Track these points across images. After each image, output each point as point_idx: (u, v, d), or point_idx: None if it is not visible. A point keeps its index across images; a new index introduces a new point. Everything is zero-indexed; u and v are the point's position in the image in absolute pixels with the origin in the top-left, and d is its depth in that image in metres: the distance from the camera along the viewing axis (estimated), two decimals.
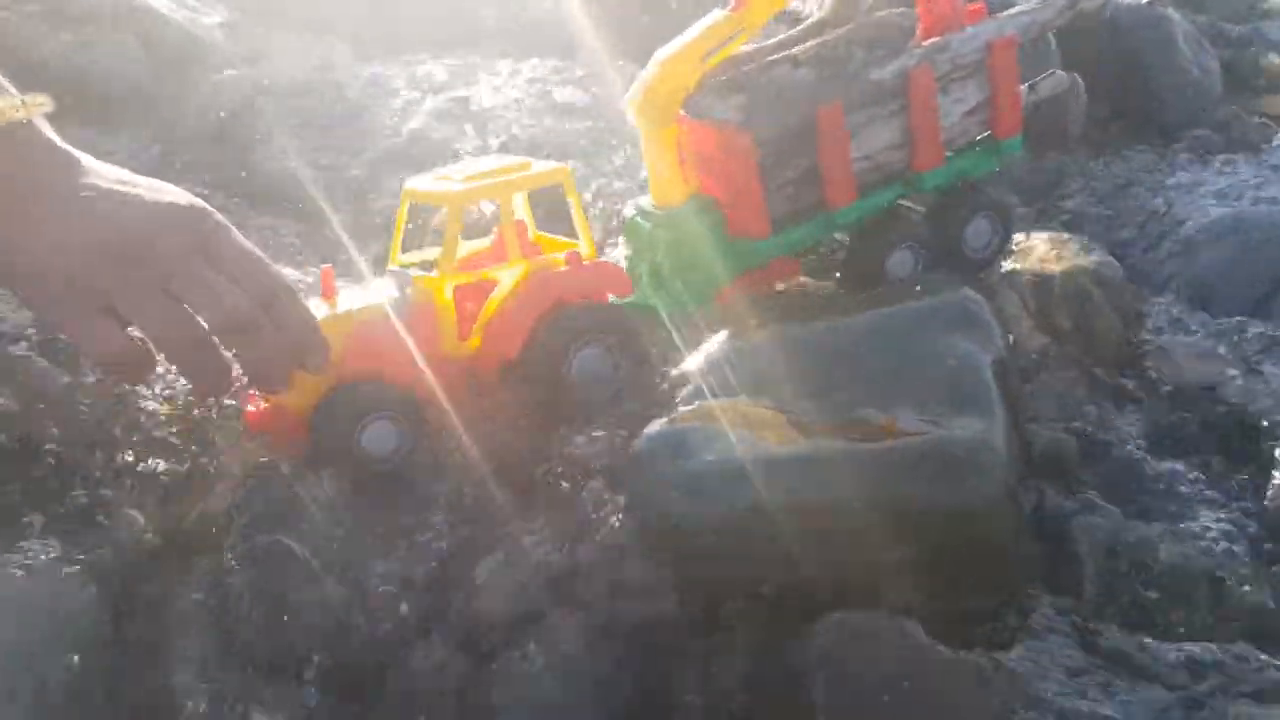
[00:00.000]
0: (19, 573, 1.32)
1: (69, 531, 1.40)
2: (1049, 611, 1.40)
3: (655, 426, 1.42)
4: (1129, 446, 1.66)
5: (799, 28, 1.76)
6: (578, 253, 1.60)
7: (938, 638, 1.25)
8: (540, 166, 1.62)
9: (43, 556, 1.34)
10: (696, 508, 1.31)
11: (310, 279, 1.84)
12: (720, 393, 1.48)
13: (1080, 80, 2.59)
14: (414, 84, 2.74)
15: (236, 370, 1.23)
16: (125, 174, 1.18)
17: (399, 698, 1.34)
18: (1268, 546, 1.46)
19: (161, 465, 1.54)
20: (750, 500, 1.31)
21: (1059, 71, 1.92)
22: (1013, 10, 1.81)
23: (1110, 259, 1.90)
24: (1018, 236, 1.99)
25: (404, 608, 1.39)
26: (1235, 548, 1.46)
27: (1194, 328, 1.89)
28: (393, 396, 1.50)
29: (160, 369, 1.23)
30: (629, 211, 1.78)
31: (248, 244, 1.21)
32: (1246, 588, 1.39)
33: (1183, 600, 1.40)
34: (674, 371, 1.58)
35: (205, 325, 1.15)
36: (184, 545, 1.45)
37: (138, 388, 1.56)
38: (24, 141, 1.11)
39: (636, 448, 1.39)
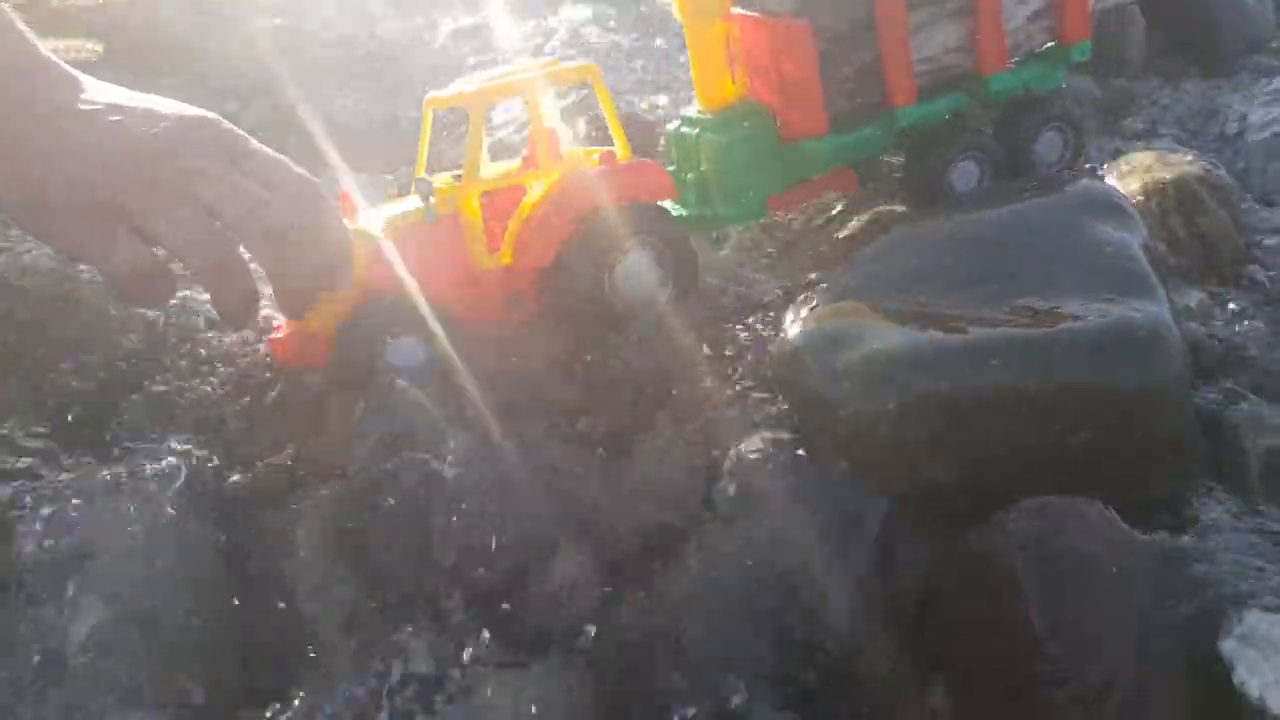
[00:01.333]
0: (141, 503, 1.22)
1: (184, 460, 1.30)
2: (1224, 499, 1.32)
3: (801, 324, 1.33)
4: (1264, 347, 1.58)
5: None
6: (613, 153, 1.49)
7: (1129, 523, 1.18)
8: (568, 64, 1.52)
9: (166, 484, 1.24)
10: (870, 398, 1.22)
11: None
12: (863, 290, 1.39)
13: (1136, 9, 2.55)
14: (450, 34, 2.64)
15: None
16: (129, 91, 1.09)
17: (542, 616, 1.25)
18: None
19: (264, 395, 1.45)
20: (927, 388, 1.22)
21: None
22: None
23: (1215, 166, 1.82)
24: (1119, 152, 1.92)
25: (549, 518, 1.29)
26: None
27: None
28: (418, 311, 1.39)
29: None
30: (671, 124, 1.67)
31: (270, 150, 1.12)
32: None
33: None
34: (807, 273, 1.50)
35: (236, 235, 1.06)
36: (306, 473, 1.35)
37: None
38: (15, 54, 1.01)
39: (789, 344, 1.30)
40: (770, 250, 1.64)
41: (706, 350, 1.44)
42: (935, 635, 1.20)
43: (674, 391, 1.41)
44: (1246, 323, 1.66)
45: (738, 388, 1.37)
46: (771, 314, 1.51)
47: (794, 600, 1.20)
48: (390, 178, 1.48)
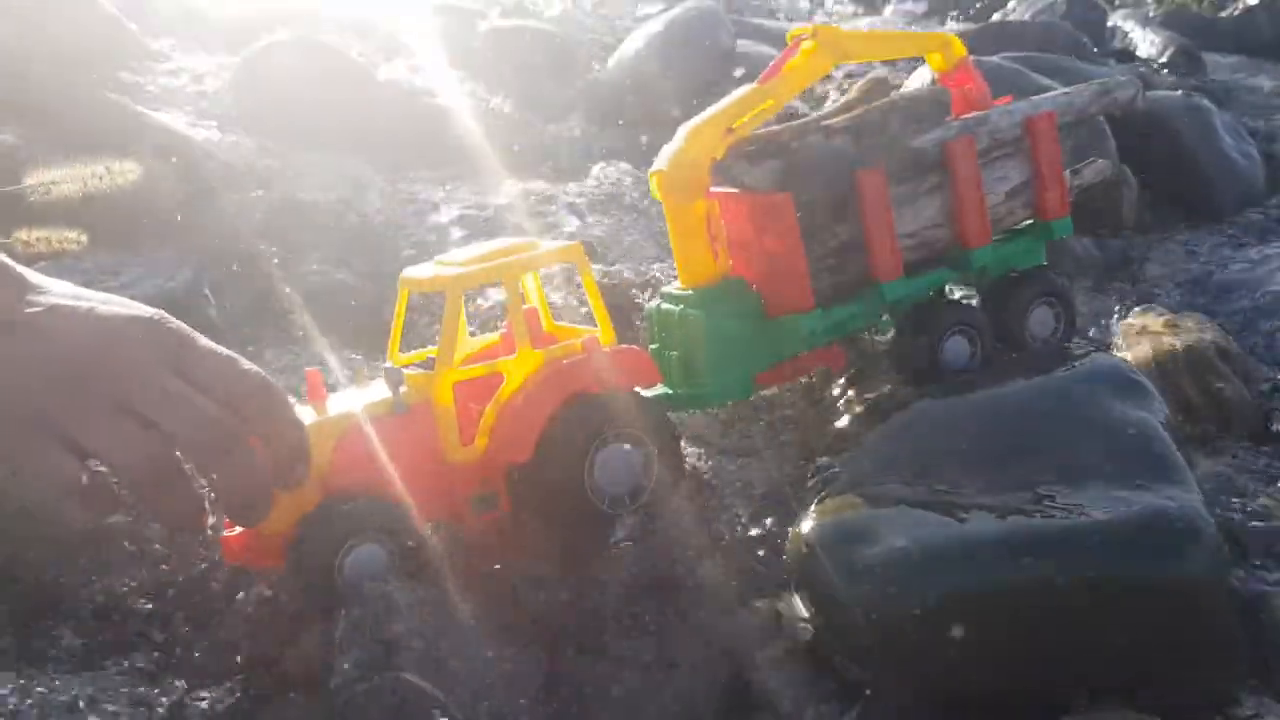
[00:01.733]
0: None
1: (144, 681, 1.20)
2: (1272, 699, 1.23)
3: (814, 517, 1.26)
4: None
5: (824, 109, 1.71)
6: (595, 339, 1.42)
7: None
8: (550, 245, 1.47)
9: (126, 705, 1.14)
10: (892, 600, 1.14)
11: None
12: (878, 475, 1.32)
13: (1128, 168, 2.57)
14: (434, 201, 2.66)
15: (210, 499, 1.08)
16: (81, 290, 1.06)
17: None
18: None
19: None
20: (954, 588, 1.15)
21: (1100, 159, 1.84)
22: (1044, 95, 1.78)
23: (1223, 332, 1.78)
24: (1124, 315, 1.89)
25: None
26: None
27: None
28: (382, 515, 1.29)
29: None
30: (653, 302, 1.63)
31: (218, 348, 1.08)
32: None
33: None
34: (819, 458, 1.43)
35: (176, 447, 1.00)
36: (276, 693, 1.25)
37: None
38: None
39: (802, 540, 1.23)
40: (776, 429, 1.57)
41: (708, 546, 1.35)
42: None
43: (674, 597, 1.33)
44: (1275, 494, 1.59)
45: (746, 588, 1.28)
46: (777, 503, 1.44)
47: None
48: (359, 357, 1.41)
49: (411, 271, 1.47)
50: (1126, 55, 3.48)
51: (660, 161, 1.53)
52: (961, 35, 2.84)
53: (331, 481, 1.29)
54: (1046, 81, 2.44)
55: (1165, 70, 3.34)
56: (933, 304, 1.62)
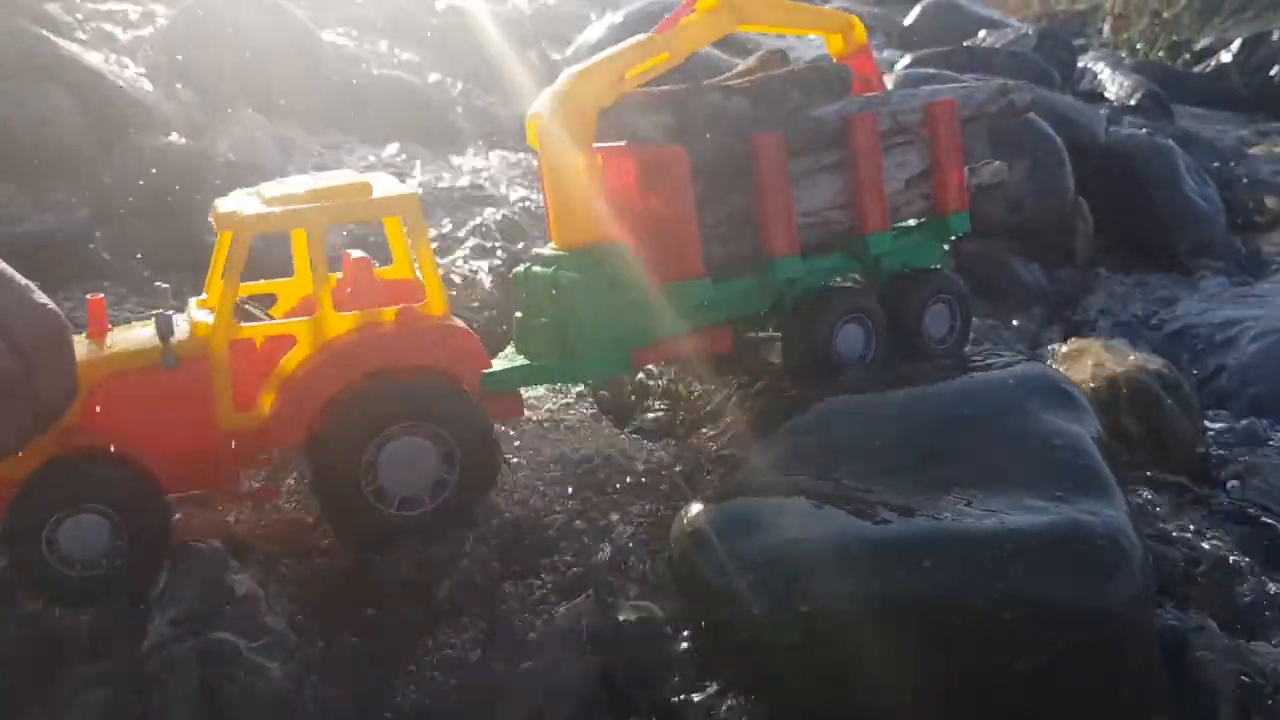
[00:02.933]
0: None
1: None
2: None
3: (703, 502, 1.14)
4: (1231, 562, 1.42)
5: (722, 76, 1.67)
6: (414, 309, 1.28)
7: None
8: (384, 191, 1.31)
9: None
10: (779, 597, 1.02)
11: None
12: (784, 467, 1.21)
13: (1084, 203, 2.49)
14: (359, 164, 2.56)
15: None
16: None
17: None
18: None
19: None
20: (845, 587, 1.03)
21: (997, 161, 1.81)
22: (945, 85, 1.81)
23: (1171, 366, 1.69)
24: (1071, 339, 1.80)
25: None
26: None
27: (1271, 445, 1.68)
28: (111, 481, 1.15)
29: None
30: (521, 266, 1.54)
31: (17, 276, 1.05)
32: None
33: None
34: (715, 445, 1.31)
35: None
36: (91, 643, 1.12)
37: None
38: None
39: (689, 526, 1.11)
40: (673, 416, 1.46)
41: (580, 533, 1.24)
42: None
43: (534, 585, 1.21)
44: (1208, 533, 1.50)
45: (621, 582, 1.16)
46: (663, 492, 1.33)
47: None
48: (166, 286, 1.40)
49: (221, 202, 1.34)
50: (1095, 95, 3.43)
51: (541, 103, 1.42)
52: (930, 56, 2.76)
53: (70, 437, 1.15)
54: None
55: (1134, 113, 3.28)
56: (828, 291, 1.55)
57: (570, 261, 1.43)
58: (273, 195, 1.33)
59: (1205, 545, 1.48)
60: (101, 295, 1.33)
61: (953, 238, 1.67)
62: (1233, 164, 3.07)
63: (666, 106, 1.43)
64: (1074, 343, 1.84)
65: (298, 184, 1.38)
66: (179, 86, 2.64)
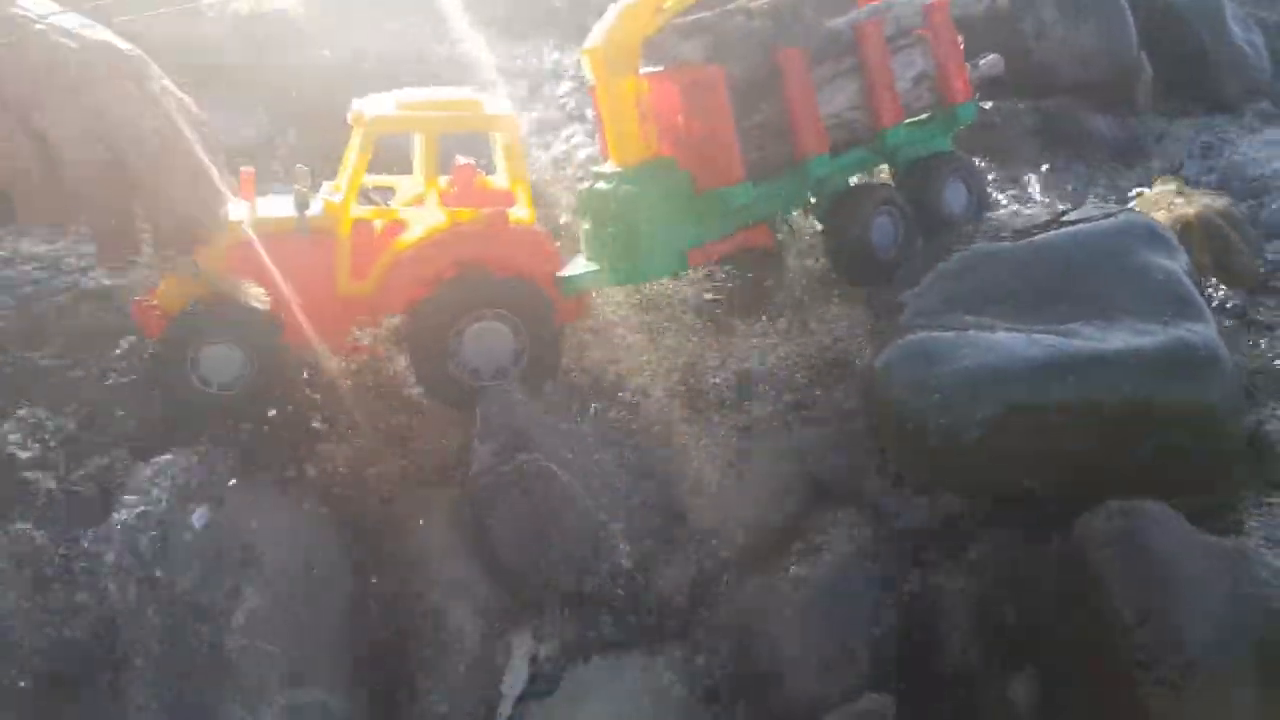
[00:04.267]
0: (279, 524, 1.31)
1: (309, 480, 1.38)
2: (1270, 509, 1.44)
3: (892, 342, 1.44)
4: None
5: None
6: (504, 213, 1.48)
7: (1200, 524, 1.29)
8: (492, 109, 1.49)
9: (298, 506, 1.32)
10: (958, 411, 1.33)
11: None
12: (940, 310, 1.50)
13: (1144, 55, 2.71)
14: (490, 62, 2.75)
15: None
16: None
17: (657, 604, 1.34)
18: None
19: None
20: (1013, 401, 1.34)
21: (994, 55, 2.00)
22: None
23: (1231, 202, 1.96)
24: (1148, 185, 2.06)
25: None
26: None
27: None
28: (245, 320, 1.39)
29: None
30: (585, 183, 1.71)
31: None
32: None
33: None
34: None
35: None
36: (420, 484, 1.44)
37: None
38: None
39: (880, 360, 1.41)
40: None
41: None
42: (1020, 628, 1.31)
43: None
44: (1275, 344, 1.78)
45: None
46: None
47: (896, 587, 1.31)
48: (304, 167, 1.53)
49: (359, 103, 1.50)
50: None
51: (593, 38, 1.58)
52: None
53: (222, 279, 1.39)
54: None
55: None
56: (855, 190, 1.74)
57: (627, 178, 1.60)
58: (400, 101, 1.46)
59: (1271, 352, 1.77)
60: (252, 169, 1.52)
61: (961, 126, 1.86)
62: (1276, 6, 3.27)
63: (702, 30, 1.59)
64: (1151, 190, 2.10)
65: (425, 94, 1.52)
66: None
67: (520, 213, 1.53)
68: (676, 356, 1.66)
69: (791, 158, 1.65)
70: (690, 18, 1.64)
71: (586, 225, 1.67)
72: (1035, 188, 2.20)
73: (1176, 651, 1.20)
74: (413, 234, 1.43)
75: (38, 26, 1.19)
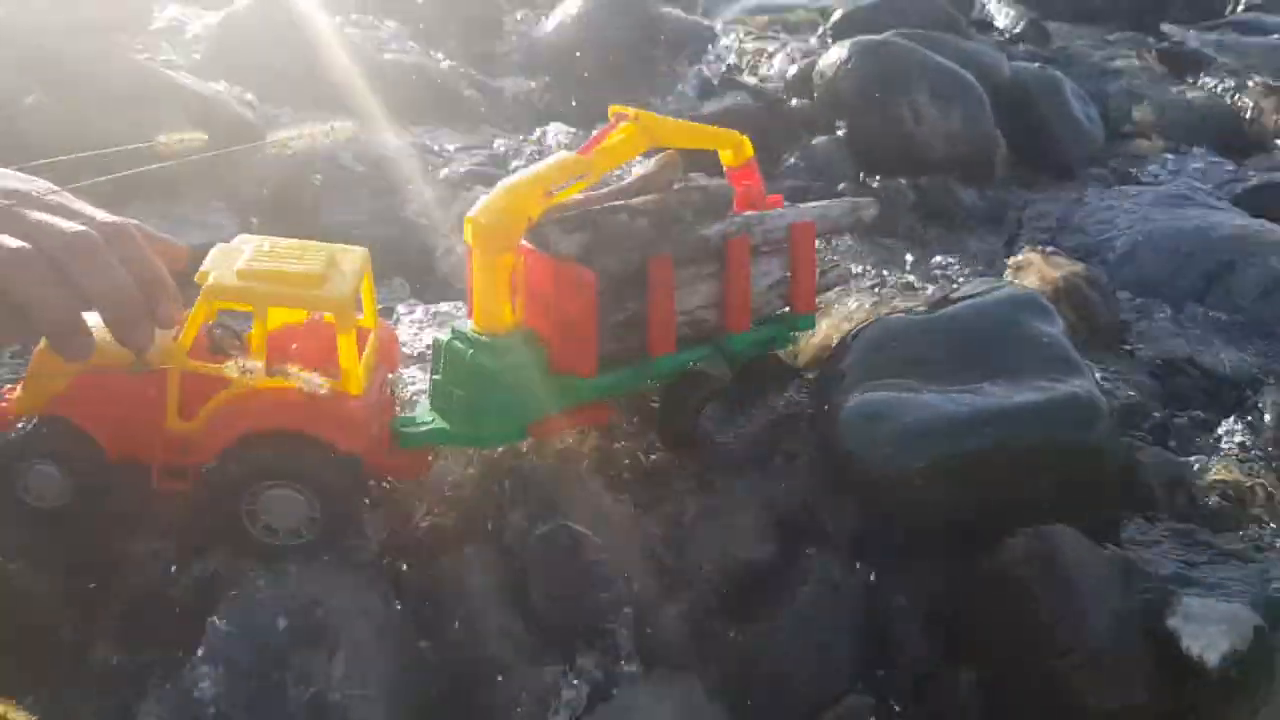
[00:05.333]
0: (338, 585, 1.53)
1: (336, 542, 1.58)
2: (1144, 523, 1.81)
3: (850, 397, 1.74)
4: (1155, 405, 2.11)
5: (626, 181, 1.82)
6: (318, 384, 1.42)
7: (1095, 540, 1.64)
8: (337, 287, 1.43)
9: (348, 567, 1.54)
10: (903, 460, 1.65)
11: None
12: (870, 378, 1.82)
13: (999, 131, 3.13)
14: (428, 151, 2.99)
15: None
16: None
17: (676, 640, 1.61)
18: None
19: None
20: (943, 450, 1.66)
21: (844, 268, 2.14)
22: (807, 205, 2.03)
23: (1090, 267, 2.36)
24: (1017, 254, 2.45)
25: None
26: (1256, 464, 1.93)
27: (1159, 316, 2.38)
28: (72, 437, 1.41)
29: None
30: (444, 334, 1.68)
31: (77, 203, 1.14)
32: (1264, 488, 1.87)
33: (1233, 501, 1.85)
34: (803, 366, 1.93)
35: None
36: (451, 539, 1.67)
37: None
38: None
39: (839, 414, 1.72)
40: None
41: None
42: (961, 635, 1.63)
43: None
44: (1135, 386, 2.18)
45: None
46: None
47: (865, 603, 1.62)
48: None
49: (211, 255, 1.44)
50: (985, 25, 4.07)
51: (476, 210, 1.58)
52: (850, 13, 3.32)
53: (56, 407, 1.42)
54: (939, 59, 2.95)
55: (1020, 41, 3.93)
56: (691, 377, 1.77)
57: (485, 347, 1.60)
58: (243, 268, 1.43)
59: (1133, 392, 2.15)
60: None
61: (797, 333, 1.93)
62: (1104, 79, 3.74)
63: (583, 226, 1.61)
64: (1019, 257, 2.48)
65: (260, 250, 1.46)
66: (243, 92, 3.00)
67: (347, 386, 1.47)
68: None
69: (640, 351, 1.70)
70: (573, 211, 1.66)
71: (436, 376, 1.67)
72: (927, 259, 2.56)
73: (1086, 641, 1.52)
74: (224, 394, 1.46)
75: None
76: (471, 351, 1.63)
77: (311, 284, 1.43)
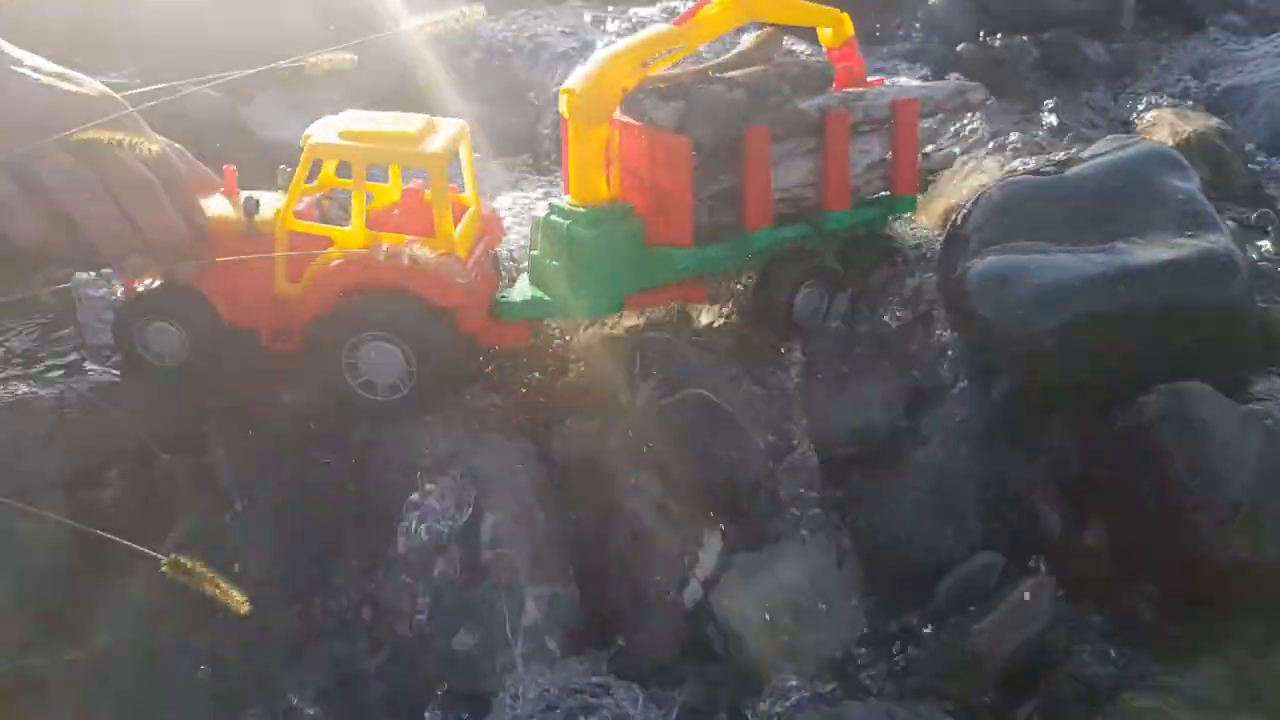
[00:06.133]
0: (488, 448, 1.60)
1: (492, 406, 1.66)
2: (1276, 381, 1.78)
3: (979, 260, 1.74)
4: None
5: (725, 56, 1.80)
6: (413, 240, 1.45)
7: (1230, 397, 1.63)
8: (433, 145, 1.49)
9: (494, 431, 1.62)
10: (1039, 318, 1.64)
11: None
12: (1003, 236, 1.80)
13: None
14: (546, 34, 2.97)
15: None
16: (44, 63, 1.29)
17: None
18: None
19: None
20: (1076, 310, 1.65)
21: (951, 149, 2.11)
22: (911, 83, 2.01)
23: (1222, 121, 2.27)
24: (1146, 113, 2.37)
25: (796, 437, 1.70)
26: None
27: None
28: (182, 300, 1.48)
29: None
30: (542, 211, 1.71)
31: (152, 134, 1.34)
32: None
33: None
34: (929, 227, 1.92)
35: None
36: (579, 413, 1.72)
37: None
38: None
39: (969, 277, 1.71)
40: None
41: None
42: (1091, 492, 1.65)
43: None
44: (1269, 246, 2.12)
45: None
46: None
47: (992, 466, 1.65)
48: (285, 167, 1.56)
49: (312, 127, 1.53)
50: None
51: (573, 80, 1.59)
52: None
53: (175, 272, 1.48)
54: None
55: None
56: (789, 256, 1.75)
57: (583, 219, 1.60)
58: (344, 129, 1.48)
59: (1267, 252, 2.10)
60: (234, 167, 1.56)
61: (897, 215, 1.90)
62: None
63: (679, 95, 1.58)
64: (1150, 114, 2.40)
65: (371, 122, 1.52)
66: None
67: (438, 243, 1.49)
68: None
69: (737, 226, 1.68)
70: (669, 80, 1.64)
71: (535, 252, 1.70)
72: (1053, 119, 2.49)
73: (1222, 495, 1.53)
74: (334, 251, 1.49)
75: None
76: (567, 223, 1.64)
77: (408, 141, 1.49)
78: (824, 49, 1.87)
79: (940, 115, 2.15)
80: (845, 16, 1.83)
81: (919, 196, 1.92)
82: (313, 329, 1.51)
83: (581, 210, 1.58)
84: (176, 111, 2.19)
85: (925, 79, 2.55)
